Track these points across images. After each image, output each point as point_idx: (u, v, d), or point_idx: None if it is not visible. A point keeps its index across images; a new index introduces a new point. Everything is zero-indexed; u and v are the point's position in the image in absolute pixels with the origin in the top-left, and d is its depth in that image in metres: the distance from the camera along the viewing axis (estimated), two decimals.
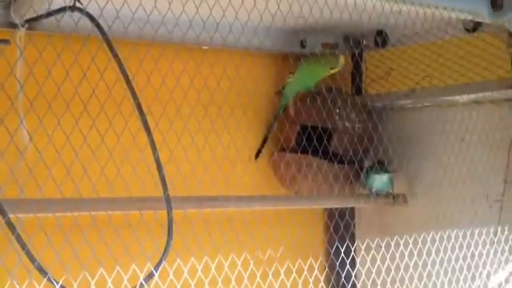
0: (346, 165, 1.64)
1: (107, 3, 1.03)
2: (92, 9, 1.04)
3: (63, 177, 1.04)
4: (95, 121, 1.05)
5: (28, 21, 1.12)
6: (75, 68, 1.04)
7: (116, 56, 1.09)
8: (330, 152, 1.62)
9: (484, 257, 1.43)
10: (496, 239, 1.45)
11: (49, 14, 1.08)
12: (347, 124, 1.68)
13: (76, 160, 1.05)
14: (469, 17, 1.37)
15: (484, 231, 1.46)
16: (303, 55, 1.69)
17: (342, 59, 1.67)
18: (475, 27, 1.52)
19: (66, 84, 1.03)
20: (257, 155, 1.66)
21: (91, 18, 1.07)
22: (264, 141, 1.68)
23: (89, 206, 1.14)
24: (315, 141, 1.56)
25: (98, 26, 1.08)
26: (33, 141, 1.03)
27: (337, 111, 1.67)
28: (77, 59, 1.04)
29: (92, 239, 1.08)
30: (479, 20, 1.40)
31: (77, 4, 1.06)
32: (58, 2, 1.05)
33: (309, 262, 1.24)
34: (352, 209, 1.74)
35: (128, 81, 1.10)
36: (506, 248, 1.44)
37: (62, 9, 1.07)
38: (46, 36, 1.06)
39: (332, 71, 1.67)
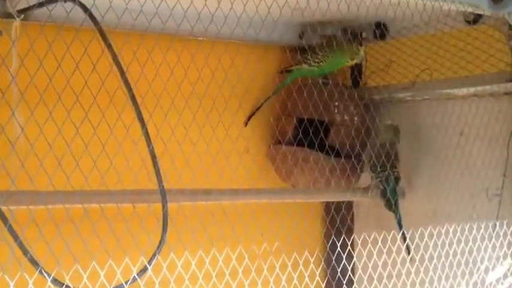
0: (343, 158, 1.63)
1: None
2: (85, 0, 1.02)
3: (54, 169, 1.02)
4: (87, 113, 1.03)
5: (20, 11, 1.10)
6: (67, 58, 1.03)
7: (109, 46, 1.07)
8: (327, 146, 1.61)
9: (482, 251, 1.42)
10: (494, 234, 1.44)
11: (41, 4, 1.07)
12: (345, 117, 1.67)
13: (68, 152, 1.03)
14: (469, 9, 1.35)
15: (482, 226, 1.44)
16: (301, 48, 1.67)
17: (362, 51, 1.66)
18: (475, 19, 1.51)
19: (58, 76, 1.01)
20: (247, 122, 1.65)
21: (83, 8, 1.05)
22: (258, 108, 1.66)
23: (80, 198, 1.13)
24: (311, 134, 1.54)
25: (90, 15, 1.06)
26: (25, 133, 1.01)
27: (335, 104, 1.66)
28: (69, 49, 1.02)
29: (84, 231, 1.07)
30: (479, 12, 1.38)
31: None
32: None
33: (304, 256, 1.23)
34: (350, 203, 1.73)
35: (122, 73, 1.08)
36: (505, 243, 1.43)
37: (54, 0, 1.06)
38: (39, 27, 1.04)
39: (351, 62, 1.67)
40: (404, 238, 1.53)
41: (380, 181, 1.57)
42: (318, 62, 1.67)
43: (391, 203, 1.57)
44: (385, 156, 1.54)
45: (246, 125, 1.66)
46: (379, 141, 1.59)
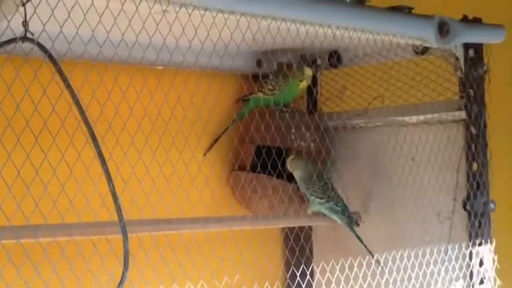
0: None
1: (59, 34, 1.02)
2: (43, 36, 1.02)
3: (14, 211, 1.02)
4: (46, 154, 1.03)
5: None
6: (26, 100, 1.03)
7: (68, 86, 1.08)
8: (285, 173, 1.64)
9: (435, 275, 1.47)
10: (446, 258, 1.49)
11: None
12: (302, 144, 1.70)
13: (28, 194, 1.03)
14: (417, 43, 1.41)
15: (435, 250, 1.49)
16: (257, 76, 1.71)
17: (308, 70, 1.69)
18: (423, 50, 1.57)
19: (17, 116, 1.01)
20: (206, 152, 1.67)
21: (43, 49, 1.05)
22: (216, 139, 1.68)
23: (34, 232, 1.12)
24: (269, 161, 1.57)
25: (50, 57, 1.06)
26: None
27: (292, 131, 1.69)
28: (28, 91, 1.02)
29: (44, 272, 1.07)
30: (427, 45, 1.45)
31: (28, 34, 1.05)
32: (8, 31, 1.03)
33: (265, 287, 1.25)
34: (308, 232, 1.76)
35: (82, 112, 1.09)
36: (457, 266, 1.49)
37: (12, 40, 1.06)
38: None
39: (301, 85, 1.69)
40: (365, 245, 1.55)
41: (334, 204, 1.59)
42: (271, 90, 1.70)
43: (352, 218, 1.58)
44: (322, 187, 1.57)
45: (204, 155, 1.68)
46: (302, 175, 1.61)
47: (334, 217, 1.59)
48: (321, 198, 1.58)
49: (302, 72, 1.69)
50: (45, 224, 1.10)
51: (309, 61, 1.77)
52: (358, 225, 1.58)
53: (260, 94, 1.72)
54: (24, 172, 1.02)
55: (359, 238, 1.55)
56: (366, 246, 1.52)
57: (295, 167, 1.63)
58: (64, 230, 1.22)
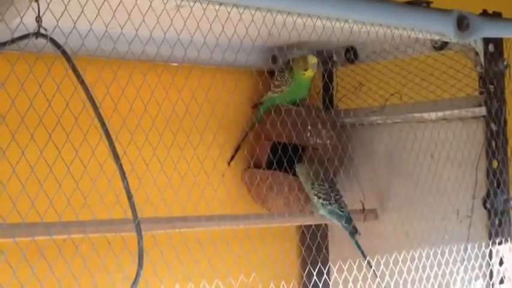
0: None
1: (72, 29, 1.01)
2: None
3: (28, 208, 1.01)
4: (60, 151, 1.02)
5: None
6: (39, 96, 1.02)
7: (82, 82, 1.07)
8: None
9: (454, 274, 1.44)
10: (466, 257, 1.46)
11: (12, 41, 1.06)
12: (318, 141, 1.68)
13: (41, 191, 1.02)
14: (436, 37, 1.39)
15: (454, 249, 1.47)
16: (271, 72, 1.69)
17: (311, 58, 1.65)
18: (442, 45, 1.54)
19: (30, 114, 1.00)
20: (229, 161, 1.67)
21: (56, 45, 1.05)
22: (237, 149, 1.68)
23: (47, 229, 1.11)
24: (285, 159, 1.55)
25: (63, 52, 1.06)
26: None
27: (308, 127, 1.67)
28: (41, 87, 1.01)
29: (58, 270, 1.06)
30: (446, 40, 1.42)
31: (41, 30, 1.04)
32: (21, 27, 1.02)
33: (281, 286, 1.23)
34: (325, 230, 1.74)
35: (96, 108, 1.08)
36: (476, 265, 1.46)
37: (25, 36, 1.05)
38: (10, 63, 1.03)
39: (307, 73, 1.66)
40: (368, 261, 1.52)
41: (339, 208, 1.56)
42: (279, 86, 1.68)
43: (356, 229, 1.55)
44: (326, 189, 1.54)
45: (229, 164, 1.67)
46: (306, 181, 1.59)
47: (335, 221, 1.56)
48: (324, 200, 1.56)
49: (305, 60, 1.65)
50: (60, 221, 1.10)
51: (327, 55, 1.74)
52: (360, 234, 1.55)
53: (270, 93, 1.70)
54: (37, 169, 1.01)
55: (360, 248, 1.52)
56: (365, 257, 1.48)
57: (299, 173, 1.62)
58: (78, 227, 1.22)
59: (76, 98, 1.06)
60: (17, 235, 1.08)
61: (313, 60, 1.65)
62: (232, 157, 1.68)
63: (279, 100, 1.68)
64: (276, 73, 1.69)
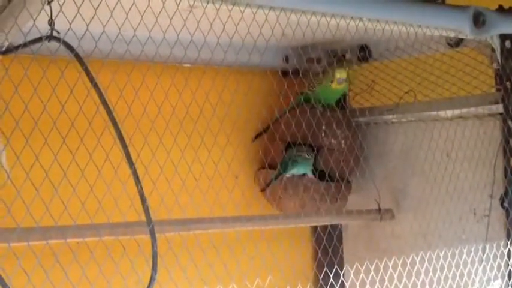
0: (332, 183, 1.63)
1: (85, 32, 1.00)
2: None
3: (42, 214, 1.00)
4: (74, 154, 1.02)
5: (3, 53, 1.08)
6: (52, 100, 1.01)
7: (95, 86, 1.06)
8: (317, 171, 1.61)
9: (472, 275, 1.42)
10: (484, 257, 1.44)
11: (25, 44, 1.05)
12: (333, 141, 1.67)
13: (56, 196, 1.02)
14: (452, 34, 1.37)
15: (472, 249, 1.45)
16: (284, 72, 1.67)
17: (338, 72, 1.65)
18: (457, 42, 1.52)
19: (43, 118, 1.00)
20: (256, 137, 1.68)
21: (69, 48, 1.04)
22: (265, 129, 1.67)
23: (62, 233, 1.11)
24: None
25: (76, 56, 1.05)
26: (12, 175, 1.00)
27: (323, 128, 1.66)
28: (54, 91, 1.00)
29: (73, 275, 1.05)
30: (462, 36, 1.40)
31: (54, 33, 1.03)
32: (34, 30, 1.02)
33: None
34: (341, 232, 1.73)
35: (109, 111, 1.07)
36: (495, 265, 1.44)
37: (38, 40, 1.04)
38: (23, 67, 1.03)
39: (334, 86, 1.66)
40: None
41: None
42: (312, 87, 1.68)
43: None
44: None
45: (253, 141, 1.67)
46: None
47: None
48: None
49: (334, 73, 1.65)
50: (74, 225, 1.09)
51: (340, 56, 1.73)
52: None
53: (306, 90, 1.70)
54: (51, 173, 1.00)
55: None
56: None
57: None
58: (92, 231, 1.21)
59: (89, 102, 1.05)
60: (31, 239, 1.07)
61: (340, 74, 1.65)
62: (259, 134, 1.67)
63: (312, 98, 1.67)
64: (310, 74, 1.68)
